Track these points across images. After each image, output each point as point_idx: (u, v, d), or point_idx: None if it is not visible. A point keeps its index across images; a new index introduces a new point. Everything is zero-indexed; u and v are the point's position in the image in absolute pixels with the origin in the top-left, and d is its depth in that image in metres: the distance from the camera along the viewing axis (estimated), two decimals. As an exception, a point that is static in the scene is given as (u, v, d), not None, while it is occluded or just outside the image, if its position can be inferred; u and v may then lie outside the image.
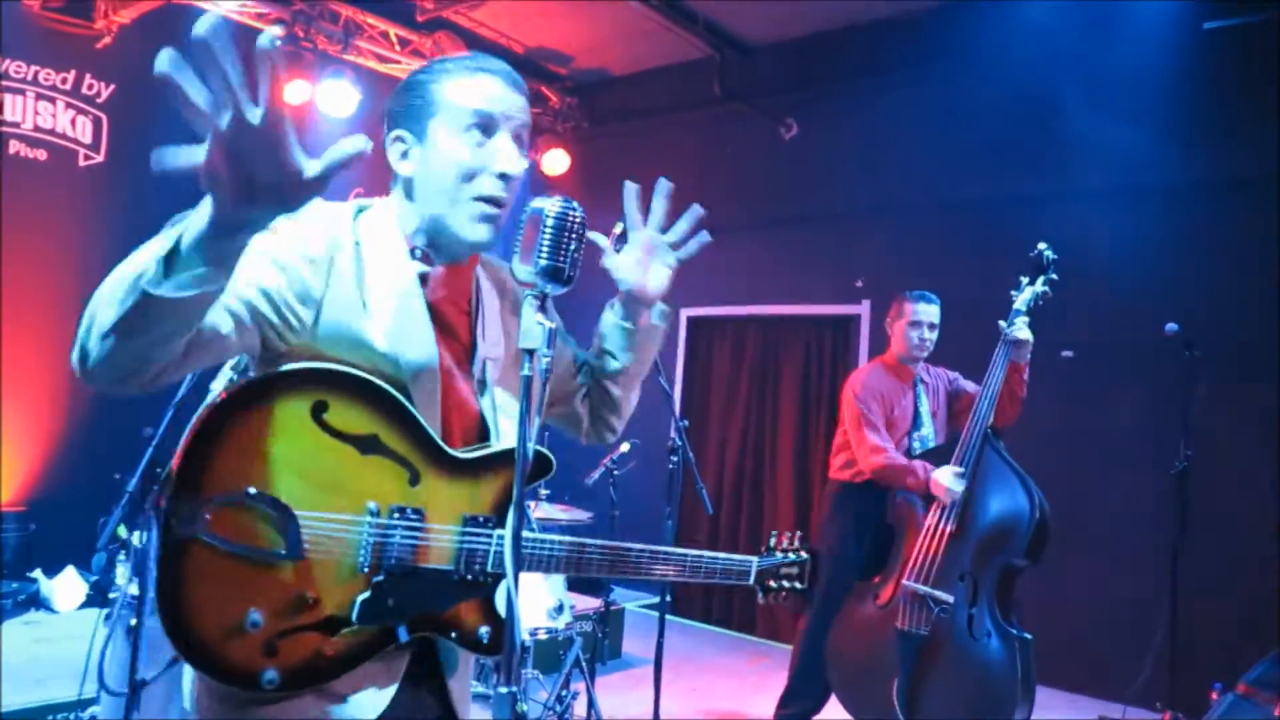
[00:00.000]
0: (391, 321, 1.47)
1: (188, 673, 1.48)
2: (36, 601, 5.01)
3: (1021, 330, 3.65)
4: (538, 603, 3.04)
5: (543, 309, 1.47)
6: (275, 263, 1.36)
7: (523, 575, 2.96)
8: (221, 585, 1.33)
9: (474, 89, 1.52)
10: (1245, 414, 4.88)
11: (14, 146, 5.36)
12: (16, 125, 5.36)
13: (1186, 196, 5.18)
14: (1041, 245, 3.77)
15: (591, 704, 3.38)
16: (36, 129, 5.44)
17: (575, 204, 1.46)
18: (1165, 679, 4.58)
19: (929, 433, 3.98)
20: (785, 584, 1.90)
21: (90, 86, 5.65)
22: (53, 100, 5.50)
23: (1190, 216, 5.16)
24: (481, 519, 1.52)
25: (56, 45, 5.48)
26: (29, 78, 5.43)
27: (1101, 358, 5.33)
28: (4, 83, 5.32)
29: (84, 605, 5.07)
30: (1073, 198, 5.47)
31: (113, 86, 5.71)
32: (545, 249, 1.44)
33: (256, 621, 1.34)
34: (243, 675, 1.35)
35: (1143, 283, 5.20)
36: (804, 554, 1.93)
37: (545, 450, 1.57)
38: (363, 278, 1.47)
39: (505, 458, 1.55)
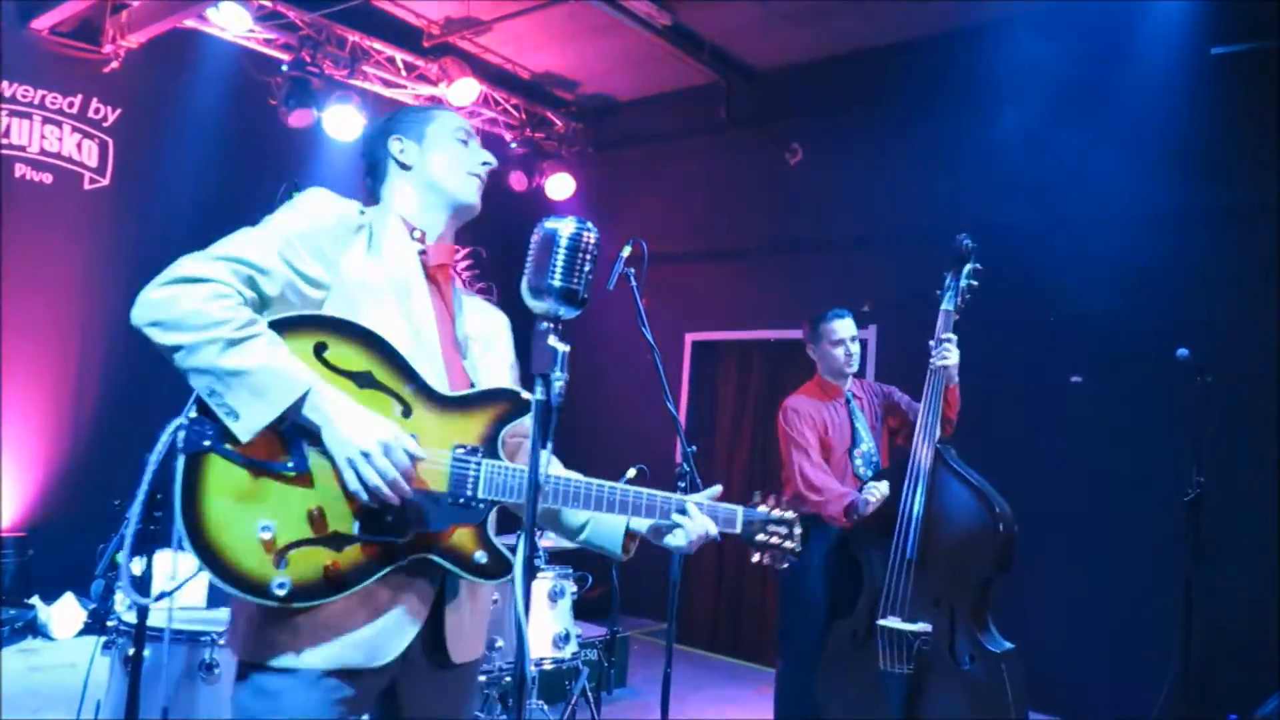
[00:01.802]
0: (399, 278, 1.74)
1: (234, 620, 1.66)
2: (34, 628, 4.95)
3: (947, 355, 3.56)
4: (544, 631, 2.99)
5: (555, 332, 1.45)
6: (300, 237, 1.63)
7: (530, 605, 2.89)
8: (235, 495, 1.51)
9: (448, 117, 1.93)
10: (1257, 441, 4.83)
11: (20, 170, 5.36)
12: (23, 149, 5.36)
13: (1196, 222, 5.15)
14: (961, 235, 3.69)
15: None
16: (43, 152, 5.45)
17: (589, 225, 1.45)
18: (1179, 710, 4.50)
19: (869, 448, 3.88)
20: (775, 540, 1.86)
21: (97, 110, 5.66)
22: (59, 124, 5.51)
23: (1200, 242, 5.14)
24: (470, 448, 1.66)
25: (64, 70, 5.50)
26: (36, 101, 5.44)
27: (1111, 384, 5.29)
28: (11, 106, 5.32)
29: (82, 632, 5.01)
30: (1081, 224, 5.45)
31: (119, 111, 5.71)
32: (559, 270, 1.43)
33: (268, 527, 1.51)
34: (257, 582, 1.51)
35: (1153, 309, 5.17)
36: (790, 513, 1.90)
37: (519, 390, 1.72)
38: (374, 246, 1.74)
39: (493, 395, 1.71)
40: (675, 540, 1.82)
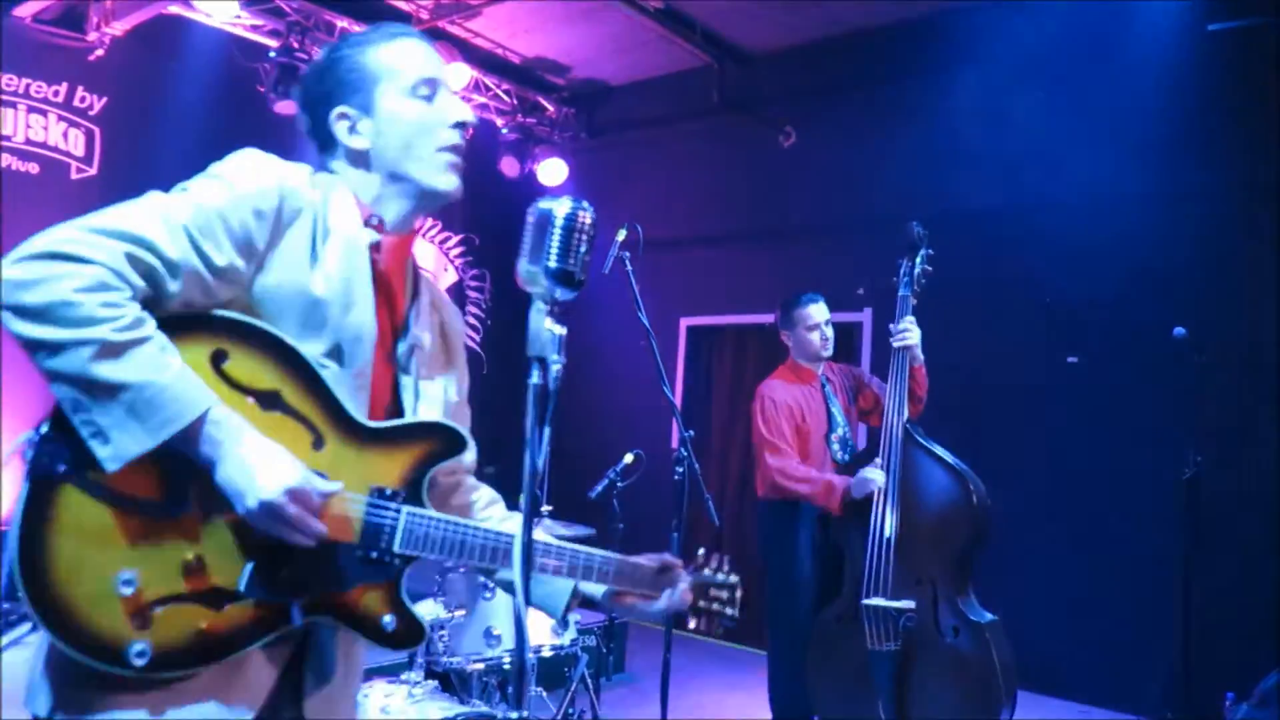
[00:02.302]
0: (339, 282, 1.44)
1: (36, 664, 1.30)
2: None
3: (908, 334, 3.62)
4: (542, 619, 2.97)
5: (552, 314, 1.41)
6: (222, 220, 1.33)
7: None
8: (92, 536, 1.21)
9: (407, 54, 1.54)
10: (1254, 419, 4.82)
11: (6, 160, 5.30)
12: (8, 139, 5.30)
13: (1193, 201, 5.13)
14: (913, 222, 3.76)
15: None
16: (28, 142, 5.39)
17: (585, 204, 1.40)
18: (1178, 688, 4.51)
19: (844, 432, 3.92)
20: (715, 606, 1.79)
21: (82, 99, 5.59)
22: (45, 113, 5.44)
23: (1198, 221, 5.11)
24: (390, 492, 1.43)
25: (48, 58, 5.43)
26: (21, 90, 5.37)
27: (1108, 364, 5.28)
28: (-5, 96, 5.26)
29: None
30: (1076, 203, 5.42)
31: (105, 99, 5.65)
32: (554, 252, 1.38)
33: (130, 581, 1.22)
34: (109, 647, 1.21)
35: (1149, 288, 5.15)
36: (733, 576, 1.82)
37: (455, 426, 1.52)
38: (319, 238, 1.44)
39: (418, 430, 1.49)
40: (648, 608, 1.74)
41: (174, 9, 5.50)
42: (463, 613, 2.82)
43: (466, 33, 6.90)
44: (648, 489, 4.00)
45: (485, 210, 7.34)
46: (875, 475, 3.53)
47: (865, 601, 3.47)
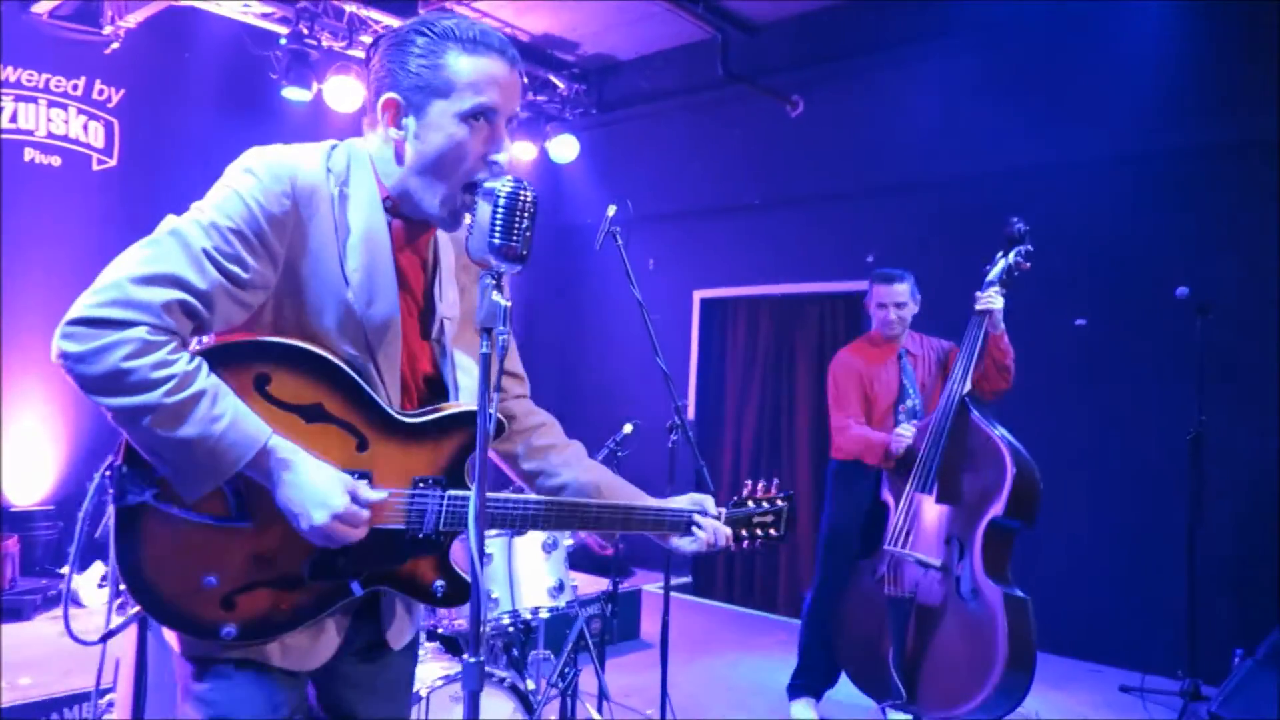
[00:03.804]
0: (363, 273, 1.50)
1: None
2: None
3: (990, 300, 3.68)
4: (538, 582, 3.08)
5: (499, 288, 1.50)
6: (239, 236, 1.39)
7: (522, 554, 2.99)
8: (176, 548, 1.41)
9: (482, 73, 1.50)
10: (1259, 377, 4.81)
11: (29, 154, 5.47)
12: (30, 133, 5.47)
13: (1195, 159, 5.10)
14: (1014, 219, 3.77)
15: (600, 682, 3.43)
16: (50, 135, 5.55)
17: (526, 184, 1.49)
18: (1186, 646, 4.55)
19: (915, 404, 4.01)
20: (759, 533, 1.93)
21: (101, 92, 5.74)
22: (64, 107, 5.60)
23: (1200, 179, 5.09)
24: (431, 480, 1.56)
25: (66, 53, 5.57)
26: (40, 85, 5.53)
27: (1113, 325, 5.28)
28: (16, 91, 5.42)
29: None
30: (1081, 165, 5.41)
31: (122, 91, 5.80)
32: (499, 229, 1.47)
33: (212, 580, 1.43)
34: (203, 628, 1.44)
35: (1153, 248, 5.15)
36: (779, 501, 1.96)
37: (499, 415, 1.63)
38: (339, 230, 1.49)
39: (456, 420, 1.58)
40: (686, 545, 1.85)
41: (185, 1, 5.62)
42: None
43: (474, 12, 6.96)
44: (648, 457, 4.10)
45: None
46: (903, 430, 3.74)
47: (887, 547, 3.65)
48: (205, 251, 1.37)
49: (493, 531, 1.67)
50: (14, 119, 5.40)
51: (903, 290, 4.08)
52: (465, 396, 1.65)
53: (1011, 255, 3.79)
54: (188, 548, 1.42)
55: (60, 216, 5.48)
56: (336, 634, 1.57)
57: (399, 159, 1.53)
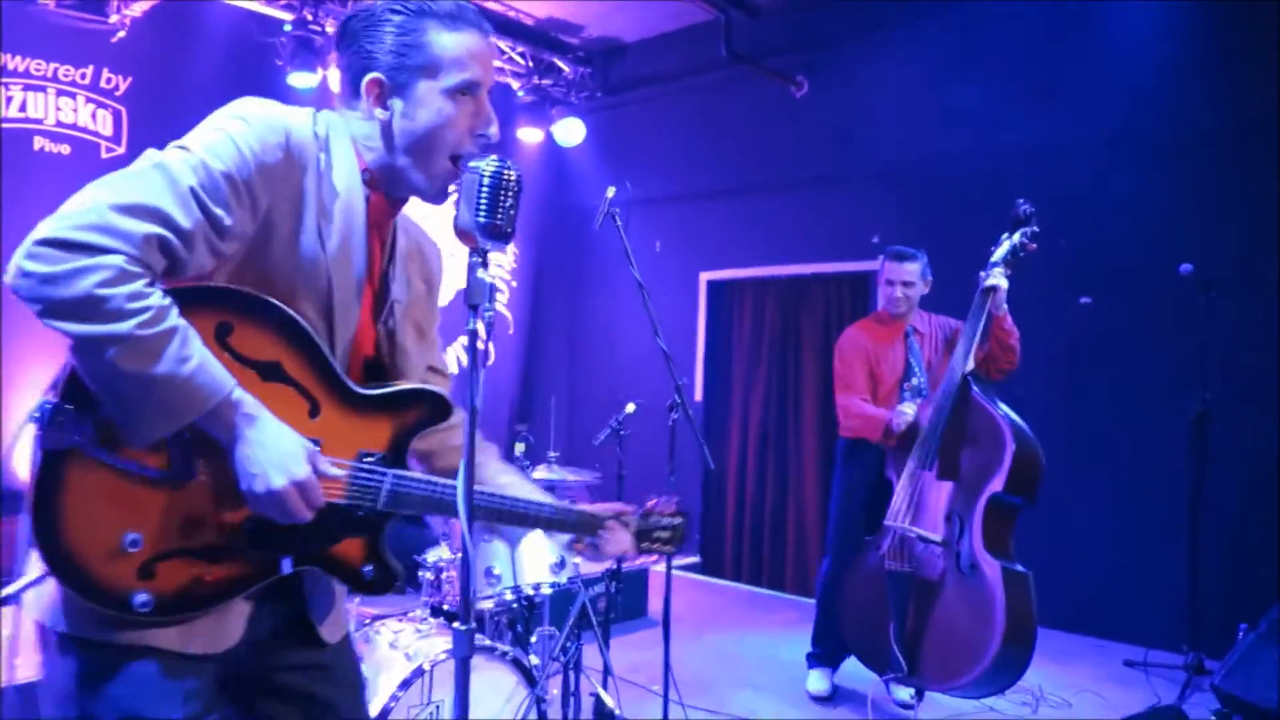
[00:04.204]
0: (339, 239, 1.49)
1: (44, 585, 1.40)
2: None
3: (994, 278, 3.71)
4: (540, 558, 3.13)
5: (484, 265, 1.53)
6: (227, 178, 1.34)
7: (524, 532, 3.02)
8: (102, 501, 1.29)
9: (464, 48, 1.51)
10: (1262, 354, 4.80)
11: (38, 143, 5.52)
12: (39, 122, 5.52)
13: (1199, 136, 5.08)
14: (1021, 200, 3.78)
15: (605, 658, 3.48)
16: (59, 124, 5.60)
17: (509, 163, 1.52)
18: (1190, 621, 4.58)
19: (920, 382, 4.05)
20: (657, 545, 1.96)
21: (109, 80, 5.79)
22: (73, 95, 5.65)
23: (1203, 156, 5.07)
24: (378, 455, 1.53)
25: (73, 41, 5.61)
26: (49, 75, 5.57)
27: (1117, 302, 5.28)
28: (25, 80, 5.47)
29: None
30: (1085, 143, 5.39)
31: (130, 79, 5.84)
32: (484, 208, 1.50)
33: (136, 541, 1.31)
34: (115, 596, 1.31)
35: (1157, 225, 5.13)
36: (678, 519, 1.99)
37: (442, 393, 1.61)
38: (324, 193, 1.47)
39: (407, 398, 1.57)
40: (589, 553, 1.87)
41: (190, -13, 5.66)
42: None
43: (478, -3, 6.96)
44: (651, 436, 4.14)
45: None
46: (904, 408, 3.80)
47: (888, 522, 3.71)
48: (192, 189, 1.30)
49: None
50: (23, 108, 5.45)
51: (911, 270, 4.08)
52: (401, 381, 1.64)
53: (1017, 236, 3.82)
54: (115, 500, 1.30)
55: (71, 204, 5.53)
56: (243, 616, 1.47)
57: (386, 139, 1.53)
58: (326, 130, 1.51)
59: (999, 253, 3.79)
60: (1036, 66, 5.54)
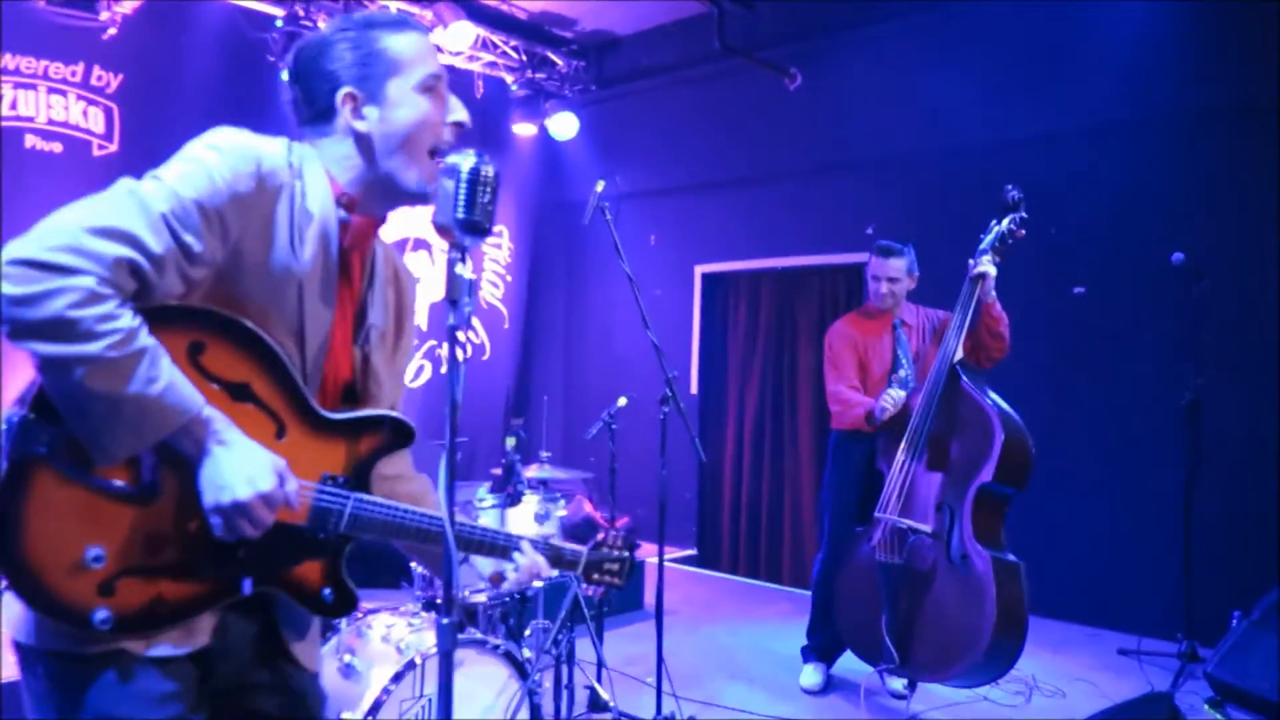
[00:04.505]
0: (313, 265, 1.51)
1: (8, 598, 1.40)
2: None
3: (982, 265, 3.73)
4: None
5: (463, 260, 1.54)
6: (199, 207, 1.36)
7: (514, 524, 3.04)
8: (66, 515, 1.30)
9: (417, 49, 1.58)
10: (1254, 341, 4.81)
11: (30, 141, 5.51)
12: (30, 120, 5.51)
13: (1191, 124, 5.08)
14: (1009, 186, 3.78)
15: (598, 651, 3.49)
16: (50, 122, 5.59)
17: (486, 158, 1.52)
18: (1183, 609, 4.59)
19: (907, 374, 4.05)
20: (607, 578, 1.94)
21: (100, 78, 5.78)
22: (64, 93, 5.64)
23: (1195, 145, 5.07)
24: (341, 479, 1.54)
25: (64, 39, 5.60)
26: (40, 72, 5.56)
27: (1110, 292, 5.29)
28: (15, 78, 5.46)
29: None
30: (1078, 132, 5.39)
31: (121, 76, 5.82)
32: (462, 204, 1.50)
33: (99, 557, 1.32)
34: (74, 613, 1.31)
35: (1149, 214, 5.14)
36: (627, 553, 1.97)
37: (406, 419, 1.62)
38: (297, 219, 1.49)
39: (371, 424, 1.58)
40: (509, 571, 1.76)
41: (180, -16, 5.65)
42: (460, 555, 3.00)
43: (470, -9, 6.95)
44: (643, 430, 4.15)
45: (501, 168, 7.41)
46: (892, 393, 3.80)
47: (879, 513, 3.72)
48: (164, 216, 1.32)
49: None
50: (14, 106, 5.44)
51: (897, 266, 4.11)
52: (373, 405, 1.65)
53: (1005, 222, 3.82)
54: (79, 515, 1.31)
55: (62, 202, 5.46)
56: (209, 623, 1.47)
57: (366, 150, 1.56)
58: (300, 160, 1.53)
59: (988, 239, 3.79)
60: (1029, 57, 5.53)
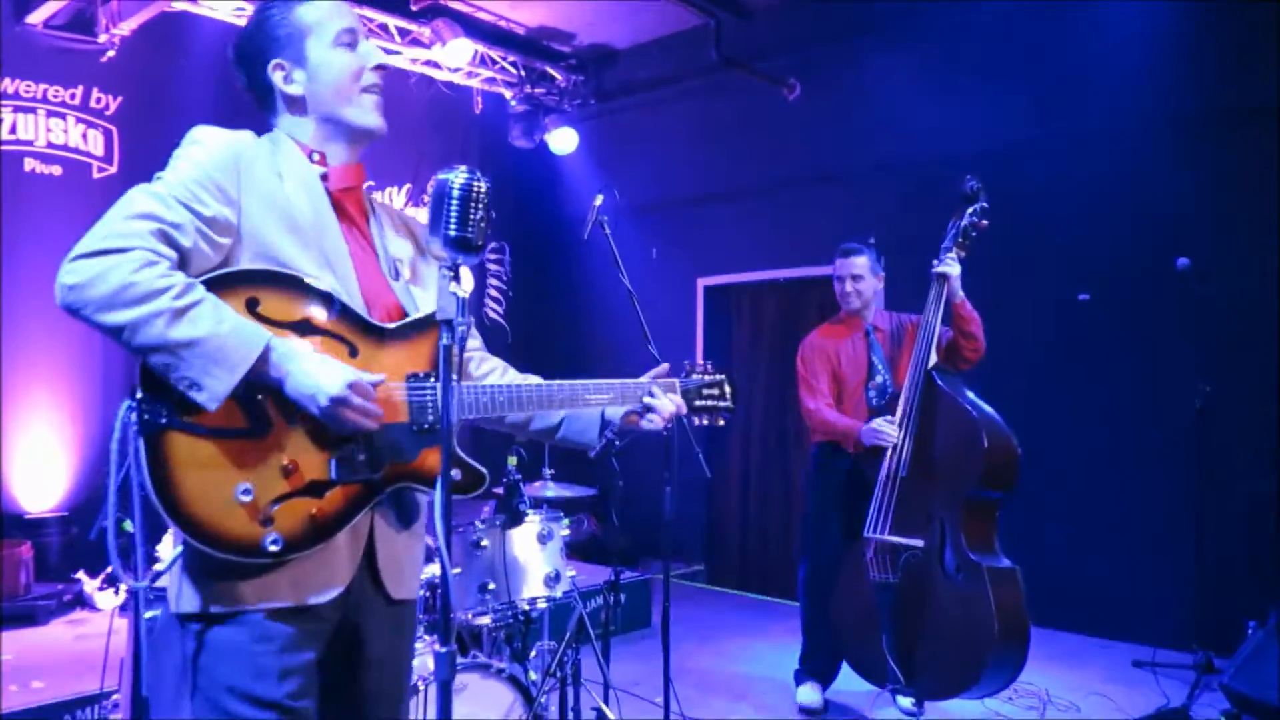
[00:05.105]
0: (308, 210, 1.67)
1: (173, 576, 1.60)
2: (81, 601, 5.22)
3: (944, 265, 3.65)
4: (534, 572, 3.09)
5: (456, 279, 1.51)
6: (196, 182, 1.55)
7: (517, 545, 2.99)
8: (205, 465, 1.49)
9: (327, 10, 1.74)
10: (1263, 346, 4.76)
11: (29, 164, 5.51)
12: (30, 143, 5.51)
13: (1193, 128, 5.05)
14: (968, 176, 3.74)
15: (604, 672, 3.44)
16: (50, 145, 5.59)
17: (478, 174, 1.50)
18: (1197, 619, 4.52)
19: (884, 380, 3.98)
20: (710, 403, 2.04)
21: (99, 100, 5.78)
22: (63, 116, 5.64)
23: (1199, 148, 5.03)
24: (423, 375, 1.68)
25: (63, 62, 5.61)
26: (39, 96, 5.57)
27: (1116, 298, 5.24)
28: (15, 102, 5.46)
29: (125, 604, 5.27)
30: (1080, 139, 5.36)
31: (120, 98, 5.83)
32: (453, 221, 1.48)
33: (248, 490, 1.50)
34: (247, 544, 1.50)
35: (1153, 220, 5.10)
36: (719, 375, 2.07)
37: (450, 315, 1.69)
38: (279, 177, 1.66)
39: (423, 324, 1.71)
40: (649, 424, 1.93)
41: (178, 5, 5.64)
42: (458, 570, 2.95)
43: (468, 7, 6.95)
44: (648, 445, 4.09)
45: (500, 183, 7.41)
46: (883, 428, 3.64)
47: (868, 534, 3.61)
48: (173, 195, 1.52)
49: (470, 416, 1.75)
50: (13, 130, 5.45)
51: (860, 264, 4.06)
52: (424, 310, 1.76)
53: (966, 215, 3.75)
54: (215, 463, 1.49)
55: (62, 225, 5.52)
56: (348, 561, 1.63)
57: (308, 108, 1.73)
58: (271, 140, 1.74)
59: (949, 237, 3.73)
60: (1030, 62, 5.50)
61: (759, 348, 7.13)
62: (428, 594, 3.10)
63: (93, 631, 4.76)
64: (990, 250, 5.63)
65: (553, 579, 3.09)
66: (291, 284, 1.60)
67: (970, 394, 3.61)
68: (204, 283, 1.51)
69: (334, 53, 1.72)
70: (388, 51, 6.66)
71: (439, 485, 1.45)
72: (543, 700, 3.02)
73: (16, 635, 4.70)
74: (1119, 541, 5.18)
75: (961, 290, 3.69)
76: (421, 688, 2.66)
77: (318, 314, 1.60)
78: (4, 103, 5.41)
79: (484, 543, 2.99)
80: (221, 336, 1.45)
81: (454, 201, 1.47)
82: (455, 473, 1.64)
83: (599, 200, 3.37)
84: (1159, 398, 5.04)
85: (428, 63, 6.90)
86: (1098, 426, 5.29)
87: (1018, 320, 5.57)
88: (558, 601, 3.11)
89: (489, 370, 1.96)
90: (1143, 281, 5.07)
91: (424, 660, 2.79)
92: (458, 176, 1.48)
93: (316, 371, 1.52)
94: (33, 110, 5.54)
